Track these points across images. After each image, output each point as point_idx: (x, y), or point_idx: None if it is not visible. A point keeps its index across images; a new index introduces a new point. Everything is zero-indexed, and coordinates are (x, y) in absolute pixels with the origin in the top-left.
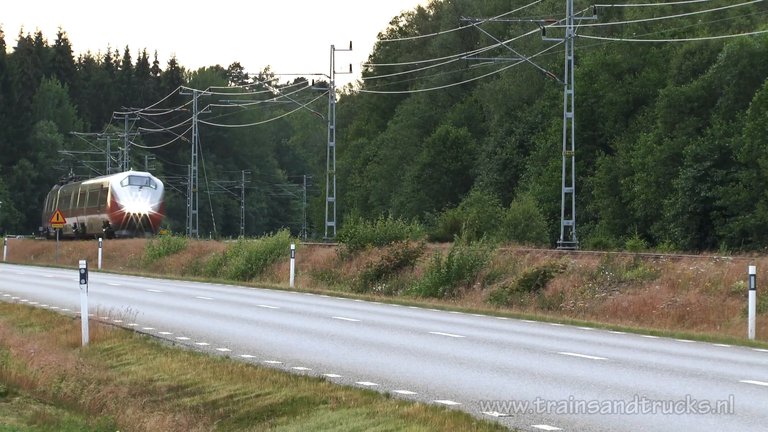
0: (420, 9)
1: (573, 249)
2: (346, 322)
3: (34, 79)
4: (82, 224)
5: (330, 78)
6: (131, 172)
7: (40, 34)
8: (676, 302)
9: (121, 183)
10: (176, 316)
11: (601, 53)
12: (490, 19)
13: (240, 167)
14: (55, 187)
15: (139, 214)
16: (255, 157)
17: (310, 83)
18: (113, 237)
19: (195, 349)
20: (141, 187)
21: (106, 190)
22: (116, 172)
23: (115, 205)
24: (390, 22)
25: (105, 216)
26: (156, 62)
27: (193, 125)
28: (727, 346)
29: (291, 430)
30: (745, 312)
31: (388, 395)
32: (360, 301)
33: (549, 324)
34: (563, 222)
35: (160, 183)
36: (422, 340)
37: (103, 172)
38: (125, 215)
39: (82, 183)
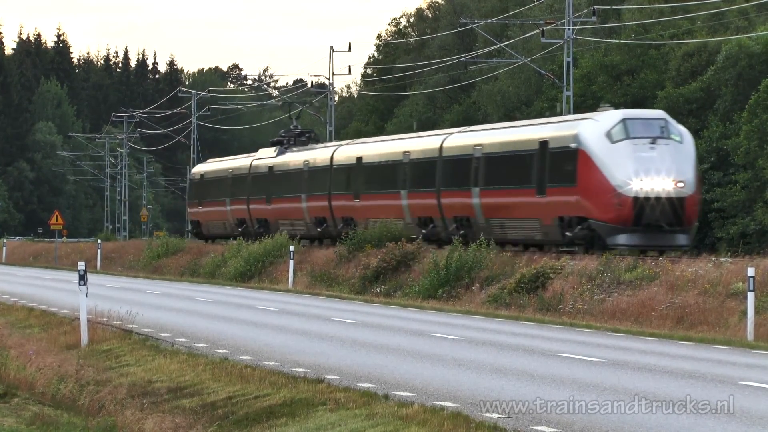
0: (419, 10)
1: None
2: (345, 323)
3: (33, 80)
4: (464, 220)
5: (329, 79)
6: (626, 112)
7: (39, 35)
8: (674, 304)
9: (609, 135)
10: (175, 317)
11: (600, 55)
12: (489, 21)
13: None
14: (268, 151)
15: (658, 198)
16: None
17: (309, 84)
18: (593, 247)
19: (194, 351)
20: (654, 142)
21: (572, 151)
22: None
23: (602, 181)
24: (389, 24)
25: (577, 201)
26: (155, 63)
27: (192, 126)
28: (725, 347)
29: (290, 431)
30: (744, 313)
31: (386, 397)
32: (359, 302)
33: (548, 325)
34: None
35: (685, 132)
36: (421, 341)
37: (103, 175)
38: (630, 202)
39: (448, 140)
